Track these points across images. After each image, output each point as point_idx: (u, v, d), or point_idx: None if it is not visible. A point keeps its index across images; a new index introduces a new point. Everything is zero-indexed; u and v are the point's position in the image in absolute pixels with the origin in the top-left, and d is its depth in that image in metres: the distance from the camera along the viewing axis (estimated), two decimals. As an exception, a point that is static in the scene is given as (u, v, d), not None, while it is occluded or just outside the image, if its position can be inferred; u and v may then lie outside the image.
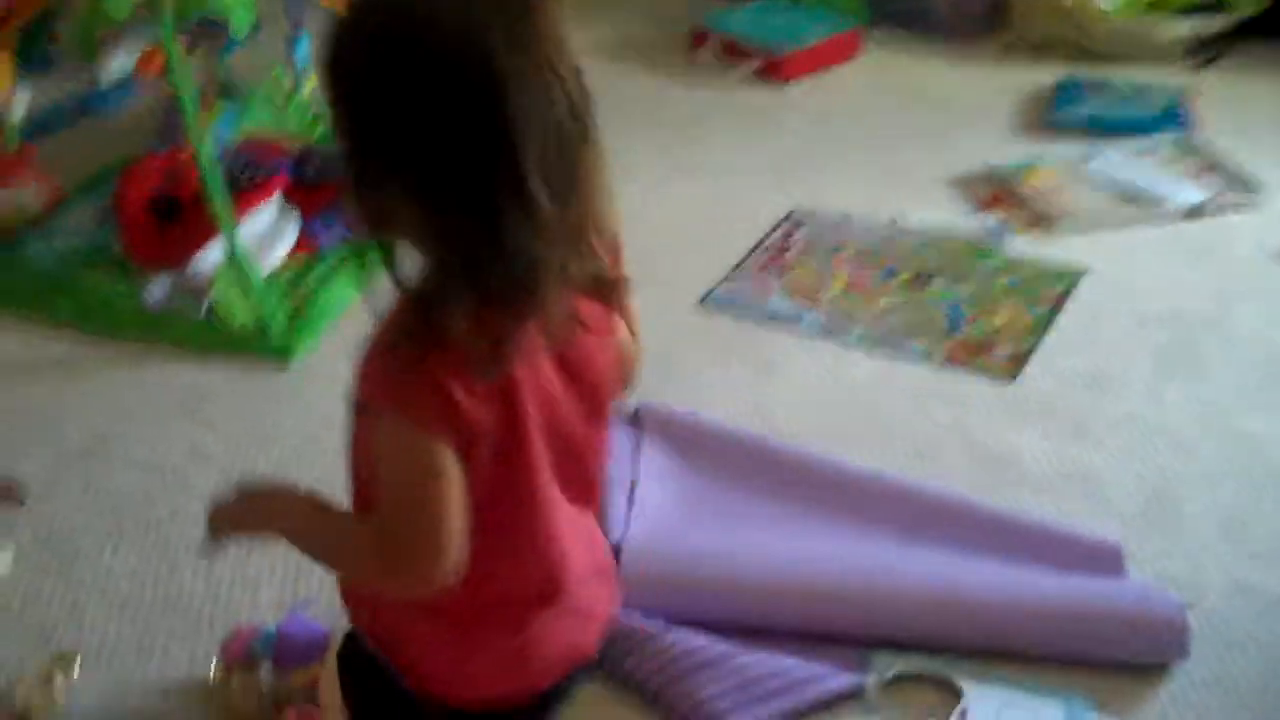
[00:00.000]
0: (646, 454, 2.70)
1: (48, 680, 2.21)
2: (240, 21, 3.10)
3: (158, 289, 3.15)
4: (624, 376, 1.50)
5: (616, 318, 1.45)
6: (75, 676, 2.25)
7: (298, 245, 3.31)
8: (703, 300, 3.30)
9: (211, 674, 2.19)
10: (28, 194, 3.39)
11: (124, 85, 3.11)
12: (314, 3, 3.38)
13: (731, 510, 2.60)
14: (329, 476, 1.56)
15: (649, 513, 2.54)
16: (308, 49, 3.61)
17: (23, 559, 2.50)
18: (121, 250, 3.26)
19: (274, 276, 3.20)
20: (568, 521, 1.48)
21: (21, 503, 2.61)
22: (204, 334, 3.11)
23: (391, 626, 1.51)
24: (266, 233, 3.29)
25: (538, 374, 1.36)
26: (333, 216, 3.36)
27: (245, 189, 3.34)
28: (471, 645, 1.48)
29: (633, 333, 1.50)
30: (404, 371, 1.28)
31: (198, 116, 3.01)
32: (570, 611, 1.52)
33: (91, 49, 3.10)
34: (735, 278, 3.37)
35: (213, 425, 2.86)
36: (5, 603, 2.41)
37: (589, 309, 1.38)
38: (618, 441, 2.66)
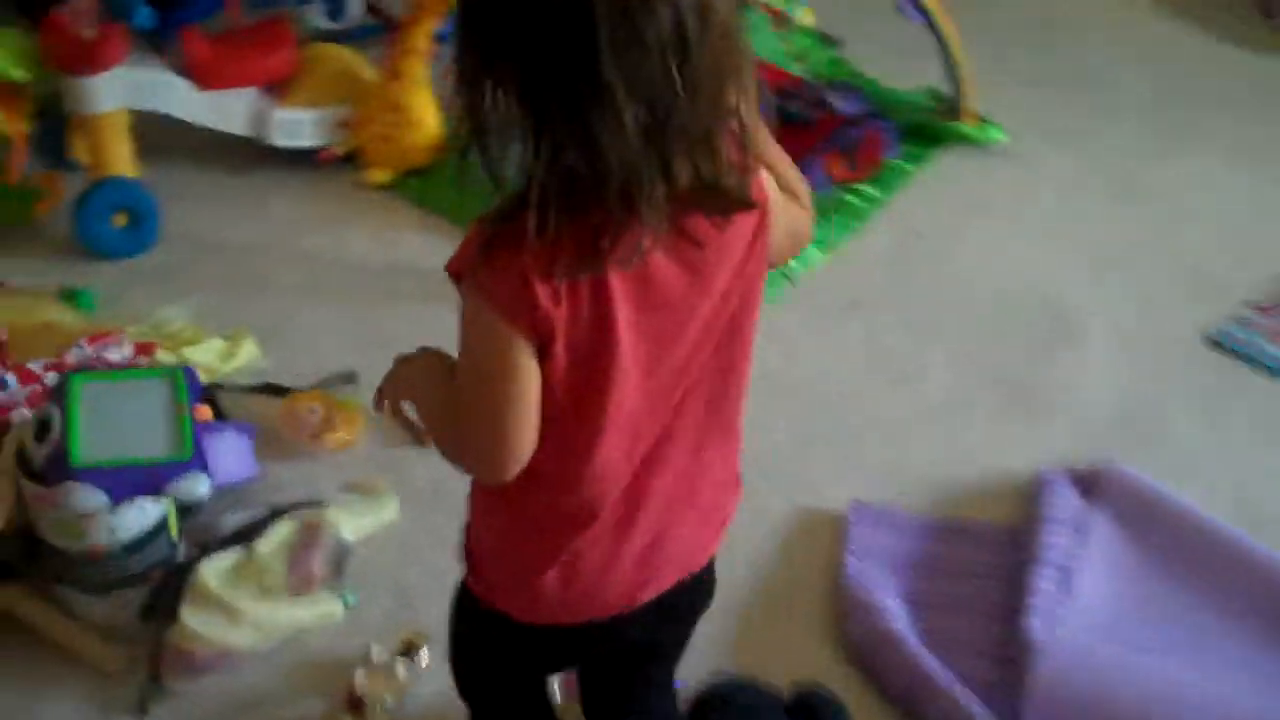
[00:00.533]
0: (1097, 532, 2.27)
1: (390, 669, 2.09)
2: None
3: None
4: (780, 257, 1.45)
5: (762, 211, 1.35)
6: (424, 664, 2.12)
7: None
8: (1210, 339, 2.77)
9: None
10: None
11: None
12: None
13: (1183, 626, 2.14)
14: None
15: (1082, 611, 2.13)
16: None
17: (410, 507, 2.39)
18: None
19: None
20: (650, 445, 1.43)
21: (423, 443, 2.48)
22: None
23: (477, 543, 1.55)
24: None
25: (647, 284, 1.31)
26: (814, 166, 3.04)
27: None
28: (524, 561, 1.48)
29: (796, 194, 1.46)
30: (492, 255, 1.27)
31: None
32: (624, 541, 1.47)
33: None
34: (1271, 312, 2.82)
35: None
36: (376, 556, 2.30)
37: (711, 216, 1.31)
38: (1059, 506, 2.25)
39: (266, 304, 2.80)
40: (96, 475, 2.05)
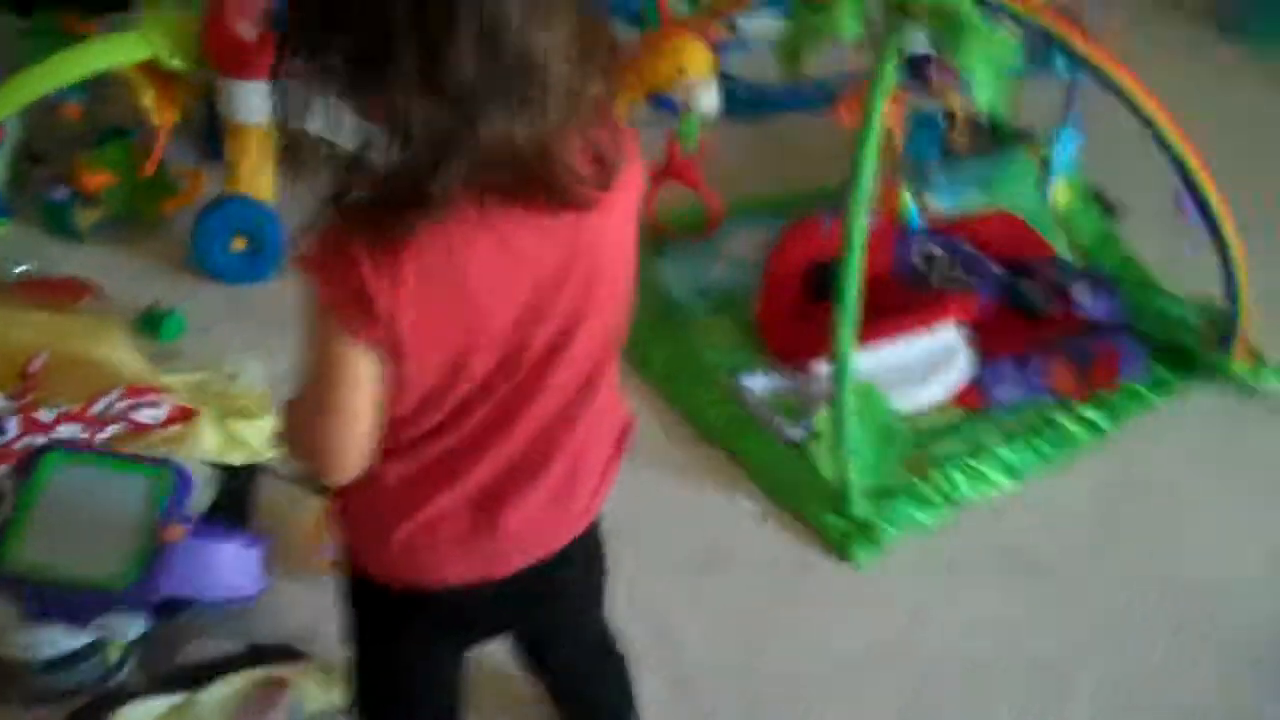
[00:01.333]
0: None
1: None
2: (984, 87, 2.27)
3: (760, 379, 2.48)
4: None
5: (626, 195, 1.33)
6: None
7: (960, 391, 2.50)
8: None
9: None
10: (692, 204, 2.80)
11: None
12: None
13: None
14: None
15: None
16: (1073, 151, 2.72)
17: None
18: (756, 314, 2.61)
19: (902, 425, 2.42)
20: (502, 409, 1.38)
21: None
22: (772, 462, 2.41)
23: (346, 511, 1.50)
24: (925, 361, 2.51)
25: (497, 253, 1.26)
26: (1031, 368, 2.51)
27: (930, 291, 2.57)
28: (383, 520, 1.44)
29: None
30: (326, 244, 1.23)
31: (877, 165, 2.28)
32: (477, 510, 1.43)
33: (795, 61, 2.42)
34: None
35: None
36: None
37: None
38: None
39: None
40: (14, 583, 1.76)
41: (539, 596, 1.55)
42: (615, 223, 1.34)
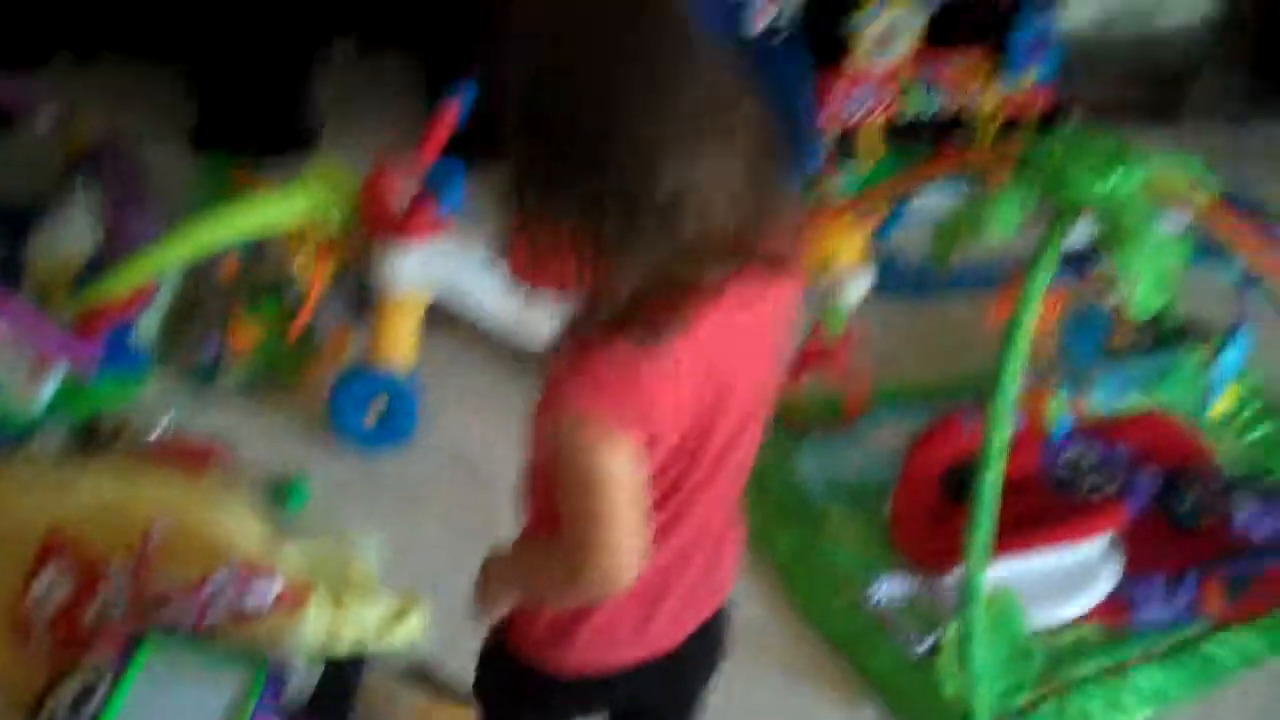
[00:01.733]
0: None
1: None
2: (1146, 289, 2.15)
3: (891, 587, 2.37)
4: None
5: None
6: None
7: (1102, 607, 2.36)
8: None
9: None
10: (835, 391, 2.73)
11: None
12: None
13: None
14: None
15: None
16: (1242, 354, 2.56)
17: None
18: (890, 514, 2.51)
19: (1037, 642, 2.28)
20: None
21: None
22: (896, 675, 2.29)
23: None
24: (1068, 572, 2.38)
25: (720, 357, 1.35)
26: (1183, 587, 2.36)
27: (1077, 498, 2.44)
28: (565, 623, 1.51)
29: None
30: (596, 366, 1.29)
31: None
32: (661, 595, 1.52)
33: (949, 251, 2.33)
34: None
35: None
36: None
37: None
38: None
39: (473, 565, 2.43)
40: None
41: (677, 669, 1.61)
42: (783, 312, 1.42)
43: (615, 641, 1.53)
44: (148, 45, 3.90)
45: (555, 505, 1.37)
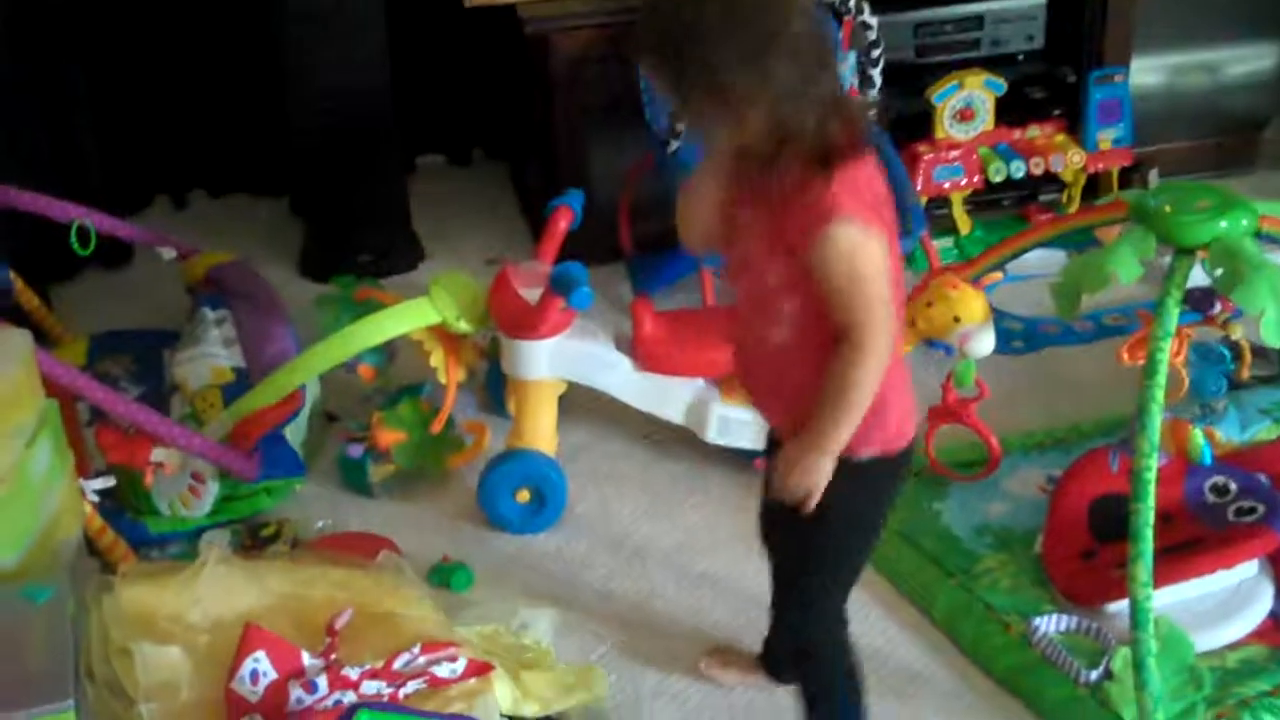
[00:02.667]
0: None
1: None
2: (1273, 324, 2.23)
3: (1050, 624, 2.42)
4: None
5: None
6: None
7: (1261, 628, 2.39)
8: None
9: None
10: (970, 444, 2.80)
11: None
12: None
13: None
14: None
15: None
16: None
17: None
18: (1042, 553, 2.56)
19: (1203, 666, 2.32)
20: None
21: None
22: (1070, 707, 2.31)
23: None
24: (1225, 597, 2.42)
25: None
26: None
27: (1224, 527, 2.48)
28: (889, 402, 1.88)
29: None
30: (836, 182, 1.73)
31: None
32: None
33: (1075, 303, 2.42)
34: None
35: None
36: None
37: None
38: None
39: (642, 635, 2.50)
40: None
41: None
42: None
43: (905, 408, 1.93)
44: (247, 182, 4.07)
45: (827, 321, 1.78)
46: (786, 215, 1.76)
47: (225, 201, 4.07)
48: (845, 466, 1.85)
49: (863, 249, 1.74)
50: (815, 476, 1.83)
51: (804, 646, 2.14)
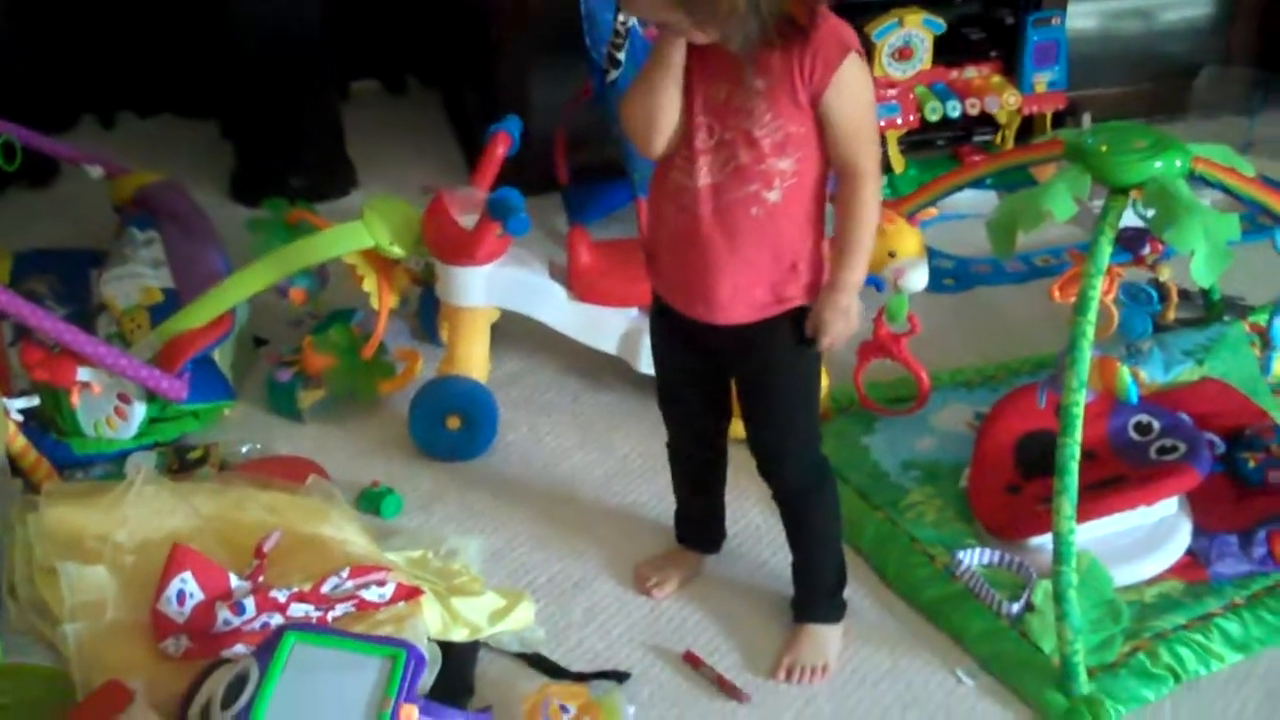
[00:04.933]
0: None
1: None
2: (1203, 264, 2.27)
3: (973, 556, 2.45)
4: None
5: None
6: None
7: (1179, 565, 2.44)
8: None
9: None
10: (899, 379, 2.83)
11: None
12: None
13: None
14: None
15: None
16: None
17: None
18: (967, 487, 2.59)
19: (1124, 599, 2.36)
20: None
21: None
22: (990, 637, 2.35)
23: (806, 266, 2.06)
24: (1144, 534, 2.46)
25: None
26: (1255, 541, 2.44)
27: (1146, 464, 2.52)
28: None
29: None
30: (833, 23, 1.89)
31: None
32: None
33: (1010, 241, 2.44)
34: None
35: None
36: None
37: None
38: None
39: (571, 561, 2.51)
40: (259, 763, 1.80)
41: None
42: None
43: None
44: (175, 103, 4.01)
45: (816, 170, 1.95)
46: (801, 61, 1.87)
47: (154, 122, 4.01)
48: (799, 312, 2.05)
49: (868, 78, 1.94)
50: (854, 314, 2.03)
51: (819, 467, 2.27)
